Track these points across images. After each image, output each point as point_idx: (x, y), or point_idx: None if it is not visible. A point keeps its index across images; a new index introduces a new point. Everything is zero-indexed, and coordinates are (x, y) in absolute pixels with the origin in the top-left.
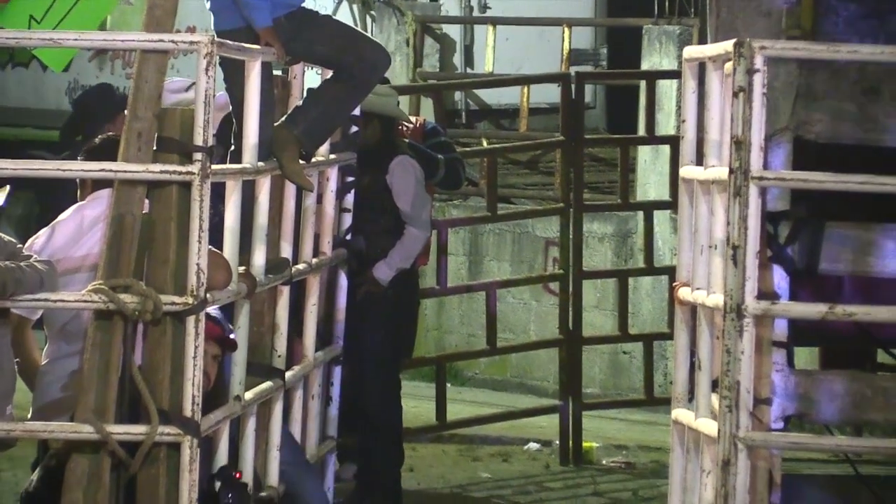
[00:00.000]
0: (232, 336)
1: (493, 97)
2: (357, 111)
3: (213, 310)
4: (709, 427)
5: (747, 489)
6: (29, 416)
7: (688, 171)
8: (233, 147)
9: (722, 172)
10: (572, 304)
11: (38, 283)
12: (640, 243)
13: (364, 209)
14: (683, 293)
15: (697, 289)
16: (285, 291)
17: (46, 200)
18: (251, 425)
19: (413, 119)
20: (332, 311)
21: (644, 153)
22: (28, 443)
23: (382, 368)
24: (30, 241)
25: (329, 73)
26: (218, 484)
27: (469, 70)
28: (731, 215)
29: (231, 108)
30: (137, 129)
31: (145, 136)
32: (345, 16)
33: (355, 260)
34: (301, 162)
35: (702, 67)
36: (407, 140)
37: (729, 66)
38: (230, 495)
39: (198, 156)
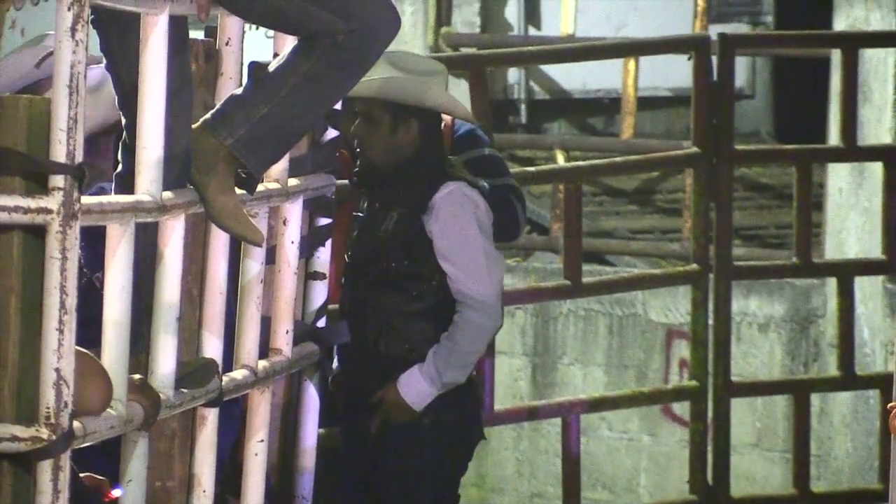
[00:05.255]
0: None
1: (575, 80)
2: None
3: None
4: None
5: None
6: None
7: None
8: (119, 167)
9: None
10: (714, 441)
11: None
12: (831, 334)
13: (376, 273)
14: None
15: None
16: (210, 418)
17: None
18: None
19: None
20: (291, 451)
21: (839, 177)
22: None
23: None
24: None
25: (289, 40)
26: None
27: (533, 32)
28: None
29: (115, 97)
30: None
31: None
32: None
33: (331, 364)
34: (239, 192)
35: None
36: None
37: None
38: None
39: (58, 181)
